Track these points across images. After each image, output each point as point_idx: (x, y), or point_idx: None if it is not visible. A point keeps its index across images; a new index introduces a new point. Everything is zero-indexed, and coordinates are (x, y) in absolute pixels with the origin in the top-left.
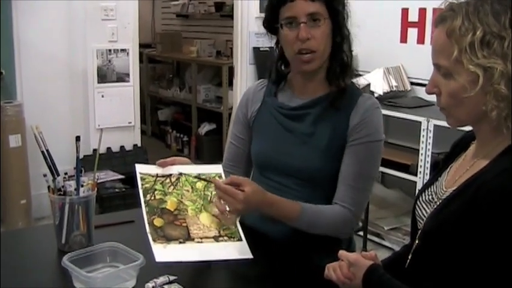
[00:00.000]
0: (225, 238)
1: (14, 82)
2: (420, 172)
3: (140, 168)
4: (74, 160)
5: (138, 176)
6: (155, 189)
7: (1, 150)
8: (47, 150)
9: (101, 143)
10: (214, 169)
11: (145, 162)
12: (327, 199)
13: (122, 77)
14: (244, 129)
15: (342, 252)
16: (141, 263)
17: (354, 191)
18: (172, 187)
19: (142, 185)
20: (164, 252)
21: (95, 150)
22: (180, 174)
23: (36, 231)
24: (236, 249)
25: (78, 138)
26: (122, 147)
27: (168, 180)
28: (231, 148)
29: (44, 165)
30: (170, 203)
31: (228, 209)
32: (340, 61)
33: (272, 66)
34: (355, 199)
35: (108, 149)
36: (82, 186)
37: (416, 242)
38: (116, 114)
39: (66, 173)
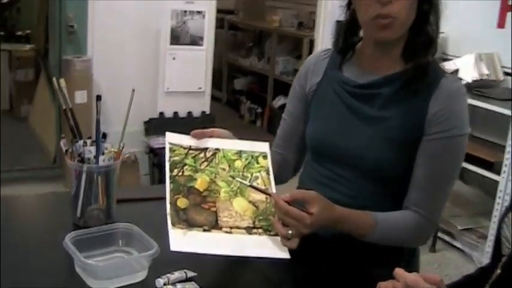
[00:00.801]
0: (260, 231)
1: (85, 37)
2: (504, 172)
3: (171, 138)
4: (140, 123)
5: (168, 146)
6: (185, 164)
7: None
8: (71, 109)
9: (168, 106)
10: (260, 147)
11: None
12: (392, 198)
13: (196, 40)
14: (300, 104)
15: (399, 271)
16: (153, 253)
17: (431, 194)
18: (205, 163)
19: (170, 157)
20: (182, 240)
21: (161, 113)
22: (217, 149)
23: (56, 197)
24: (271, 246)
25: (99, 98)
26: (189, 113)
27: (202, 154)
28: (284, 125)
29: (110, 124)
30: (200, 182)
31: (290, 232)
32: (423, 34)
33: (339, 32)
34: (431, 204)
35: (175, 113)
36: (103, 154)
37: (498, 271)
38: (186, 78)
39: (90, 137)
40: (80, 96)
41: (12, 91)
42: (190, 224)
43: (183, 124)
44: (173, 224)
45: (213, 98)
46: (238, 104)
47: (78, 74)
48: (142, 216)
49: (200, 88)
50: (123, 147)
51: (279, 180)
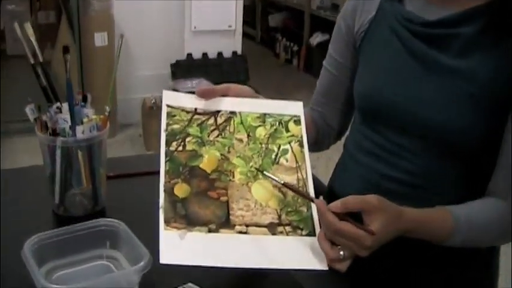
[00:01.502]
0: (288, 229)
1: None
2: None
3: (169, 98)
4: (166, 66)
5: (164, 110)
6: (187, 134)
7: (86, 48)
8: (41, 63)
9: (197, 47)
10: (291, 108)
11: (244, 72)
12: (469, 179)
13: None
14: (346, 49)
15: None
16: (143, 267)
17: None
18: (216, 132)
19: (168, 125)
20: (178, 247)
21: (189, 55)
22: (233, 112)
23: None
24: (305, 252)
25: (66, 50)
26: (219, 53)
27: (211, 120)
28: (325, 76)
29: (135, 68)
30: (208, 160)
31: (341, 253)
32: None
33: None
34: None
35: (204, 54)
36: (82, 123)
37: None
38: (215, 15)
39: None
40: (100, 38)
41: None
42: (190, 222)
43: (213, 66)
44: (167, 222)
45: (246, 36)
46: (273, 42)
47: (97, 15)
48: (142, 199)
49: (230, 26)
50: (110, 112)
51: (316, 147)
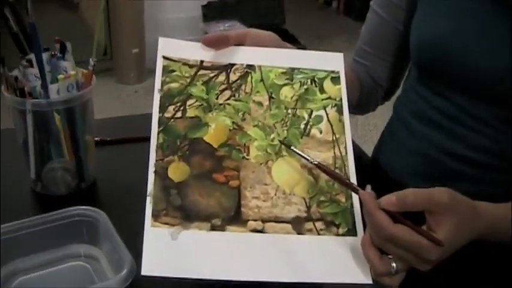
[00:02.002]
0: (320, 225)
1: None
2: None
3: (167, 47)
4: (197, 8)
5: (160, 64)
6: (189, 96)
7: None
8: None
9: None
10: (327, 62)
11: (280, 15)
12: None
13: None
14: None
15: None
16: (121, 281)
17: None
18: (228, 93)
19: (164, 83)
20: (168, 251)
21: None
22: (251, 67)
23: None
24: (343, 257)
25: None
26: None
27: (222, 77)
28: (372, 20)
29: (161, 10)
30: (216, 130)
31: (394, 266)
32: None
33: None
34: None
35: None
36: (57, 81)
37: None
38: None
39: (50, 51)
40: None
41: None
42: (188, 215)
43: (247, 8)
44: (156, 216)
45: None
46: None
47: None
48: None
49: None
50: (94, 65)
51: (359, 110)
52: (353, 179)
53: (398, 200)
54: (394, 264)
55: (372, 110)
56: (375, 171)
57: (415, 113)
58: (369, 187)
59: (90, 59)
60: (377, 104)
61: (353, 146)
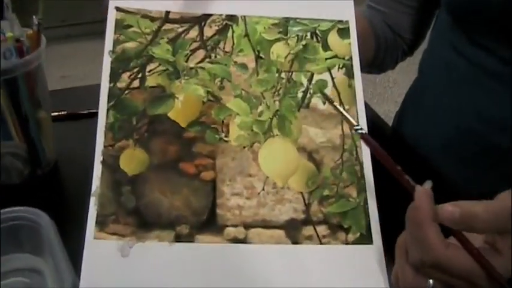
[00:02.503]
0: (323, 230)
1: None
2: None
3: None
4: None
5: (112, 17)
6: (151, 58)
7: None
8: None
9: None
10: (332, 10)
11: None
12: None
13: None
14: None
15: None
16: None
17: None
18: (201, 53)
19: (117, 42)
20: (117, 272)
21: None
22: (232, 17)
23: None
24: (354, 277)
25: None
26: None
27: (193, 32)
28: None
29: None
30: (185, 103)
31: (430, 282)
32: None
33: None
34: None
35: None
36: None
37: None
38: None
39: None
40: None
41: None
42: (144, 223)
43: None
44: (102, 224)
45: None
46: None
47: None
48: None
49: None
50: (39, 25)
51: (375, 68)
52: (367, 164)
53: (463, 217)
54: (431, 282)
55: (390, 68)
56: (396, 146)
57: (447, 71)
58: (428, 183)
59: (34, 17)
60: (397, 61)
61: (369, 113)
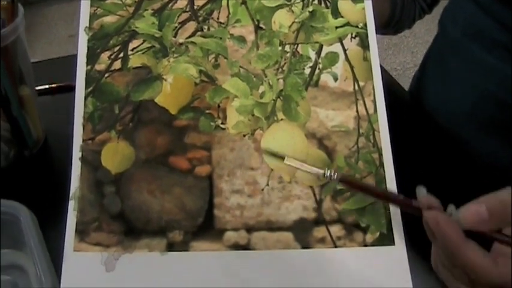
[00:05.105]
0: (337, 231)
1: None
2: None
3: None
4: None
5: None
6: (133, 34)
7: None
8: None
9: None
10: None
11: None
12: None
13: None
14: None
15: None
16: None
17: None
18: (192, 26)
19: (94, 16)
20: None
21: None
22: None
23: None
24: (376, 283)
25: None
26: None
27: (183, 1)
28: None
29: None
30: (174, 86)
31: None
32: None
33: None
34: None
35: None
36: None
37: None
38: None
39: None
40: None
41: None
42: (130, 229)
43: None
44: (83, 233)
45: None
46: None
47: None
48: None
49: None
50: None
51: (390, 28)
52: (386, 150)
53: (492, 212)
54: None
55: (407, 28)
56: (414, 114)
57: (471, 31)
58: (423, 191)
59: None
60: (414, 20)
61: (384, 79)
